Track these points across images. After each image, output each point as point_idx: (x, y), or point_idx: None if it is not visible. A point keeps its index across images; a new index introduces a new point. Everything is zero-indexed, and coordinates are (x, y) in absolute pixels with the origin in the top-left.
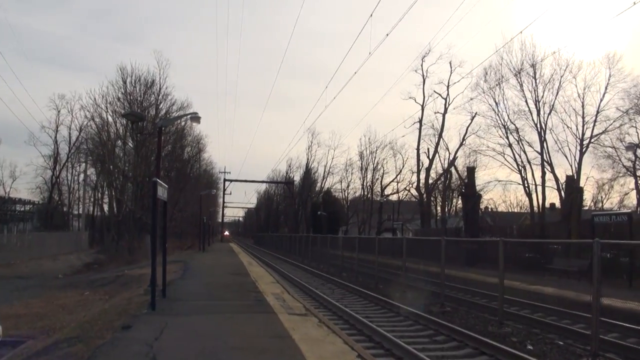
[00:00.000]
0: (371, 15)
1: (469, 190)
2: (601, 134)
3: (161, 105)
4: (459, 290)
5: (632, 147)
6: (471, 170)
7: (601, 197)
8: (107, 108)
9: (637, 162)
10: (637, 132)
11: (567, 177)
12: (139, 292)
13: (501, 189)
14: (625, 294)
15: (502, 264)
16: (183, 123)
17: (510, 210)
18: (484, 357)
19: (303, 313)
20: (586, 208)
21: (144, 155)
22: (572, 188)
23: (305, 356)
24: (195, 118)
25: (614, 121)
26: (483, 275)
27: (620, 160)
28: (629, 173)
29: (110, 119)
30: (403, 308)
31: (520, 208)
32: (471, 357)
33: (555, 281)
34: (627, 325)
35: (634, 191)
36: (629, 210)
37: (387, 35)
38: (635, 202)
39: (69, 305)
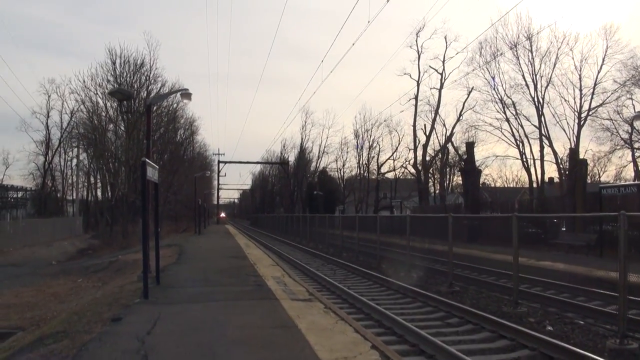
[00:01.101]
0: None
1: (469, 166)
2: (599, 106)
3: (151, 87)
4: (464, 267)
5: (639, 116)
6: (470, 146)
7: (597, 170)
8: (96, 90)
9: (634, 134)
10: (633, 105)
11: (571, 149)
12: (132, 278)
13: (496, 165)
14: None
15: (517, 241)
16: (175, 105)
17: (506, 186)
18: (503, 341)
19: (307, 298)
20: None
21: (135, 138)
22: (576, 160)
23: (315, 349)
24: (186, 94)
25: (611, 93)
26: (487, 251)
27: (618, 132)
28: (626, 145)
29: (100, 102)
30: (410, 288)
31: (516, 183)
32: (490, 341)
33: (563, 256)
34: None
35: (632, 164)
36: (638, 182)
37: (388, 1)
38: (632, 174)
39: (61, 294)
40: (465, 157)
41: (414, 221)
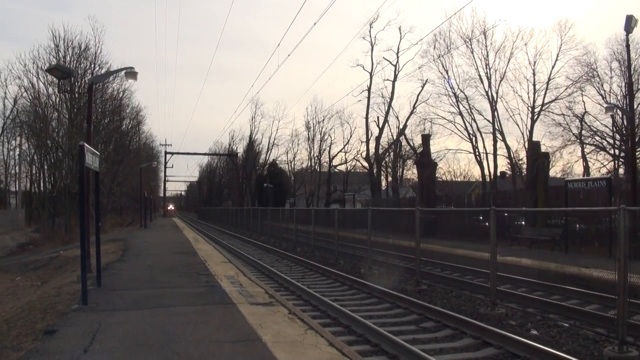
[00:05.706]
0: None
1: (425, 159)
2: (552, 102)
3: (97, 72)
4: (426, 263)
5: (611, 108)
6: (426, 138)
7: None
8: (38, 74)
9: (583, 131)
10: (583, 101)
11: (531, 142)
12: (72, 278)
13: (445, 159)
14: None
15: (494, 236)
16: (120, 94)
17: (454, 180)
18: (490, 350)
19: (267, 302)
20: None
21: (79, 125)
22: (537, 154)
23: None
24: (131, 73)
25: (565, 89)
26: (447, 246)
27: (569, 128)
28: (578, 141)
29: (43, 87)
30: (374, 287)
31: (464, 177)
32: (474, 349)
33: (526, 252)
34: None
35: (581, 160)
36: (608, 175)
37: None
38: (576, 171)
39: None
40: (420, 149)
41: (377, 215)
